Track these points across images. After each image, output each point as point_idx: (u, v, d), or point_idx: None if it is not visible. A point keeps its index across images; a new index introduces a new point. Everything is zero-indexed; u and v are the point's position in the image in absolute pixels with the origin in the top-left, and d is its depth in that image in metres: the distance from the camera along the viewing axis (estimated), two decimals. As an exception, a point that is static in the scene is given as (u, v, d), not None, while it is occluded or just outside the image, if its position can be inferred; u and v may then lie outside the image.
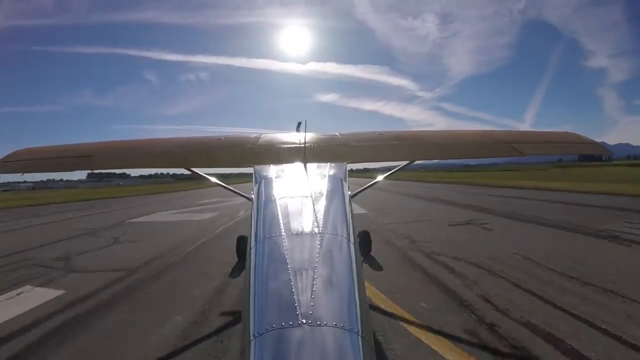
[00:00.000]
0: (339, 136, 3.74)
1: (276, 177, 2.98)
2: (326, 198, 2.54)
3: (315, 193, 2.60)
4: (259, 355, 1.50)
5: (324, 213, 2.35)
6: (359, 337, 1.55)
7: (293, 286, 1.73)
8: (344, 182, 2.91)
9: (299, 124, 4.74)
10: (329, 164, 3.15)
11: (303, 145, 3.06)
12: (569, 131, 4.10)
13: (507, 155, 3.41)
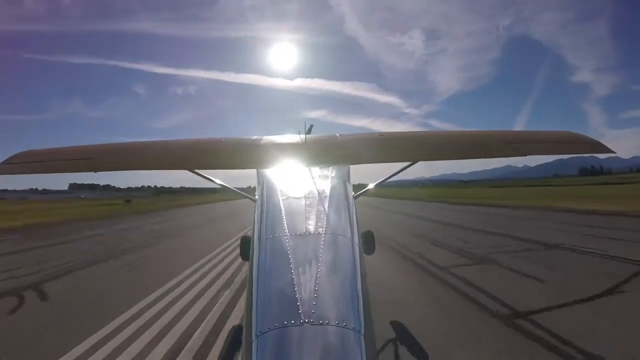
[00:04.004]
0: (339, 137, 3.71)
1: (279, 179, 2.98)
2: (329, 199, 2.53)
3: (319, 194, 2.59)
4: (262, 354, 1.51)
5: (327, 213, 2.32)
6: (361, 336, 1.56)
7: (296, 285, 1.73)
8: (347, 183, 2.92)
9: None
10: (332, 165, 3.15)
11: (304, 147, 3.06)
12: (570, 130, 4.05)
13: (507, 156, 3.35)
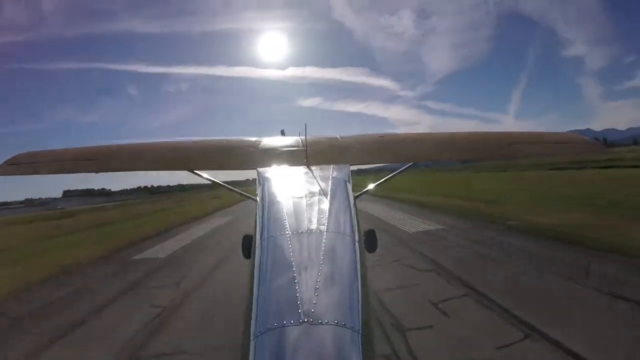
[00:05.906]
0: (339, 139, 3.69)
1: (280, 179, 2.98)
2: (330, 198, 2.53)
3: (320, 193, 2.59)
4: (262, 353, 1.52)
5: (328, 212, 2.33)
6: (360, 336, 1.57)
7: (297, 284, 1.74)
8: (347, 183, 2.93)
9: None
10: (332, 165, 3.15)
11: (304, 149, 3.05)
12: (570, 132, 4.03)
13: (505, 158, 3.39)
